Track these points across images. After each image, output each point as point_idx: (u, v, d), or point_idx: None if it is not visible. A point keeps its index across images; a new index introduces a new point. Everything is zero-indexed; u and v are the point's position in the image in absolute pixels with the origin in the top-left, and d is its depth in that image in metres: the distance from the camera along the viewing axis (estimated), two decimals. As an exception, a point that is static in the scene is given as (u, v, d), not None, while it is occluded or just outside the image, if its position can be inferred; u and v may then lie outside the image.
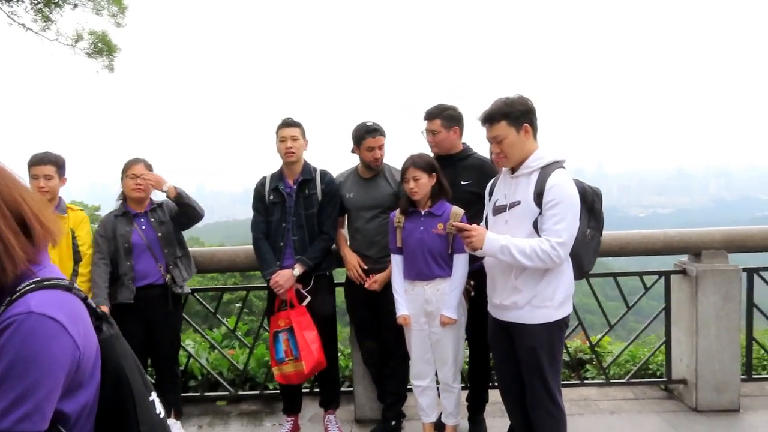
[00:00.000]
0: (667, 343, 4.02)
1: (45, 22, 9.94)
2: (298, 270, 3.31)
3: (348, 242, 3.55)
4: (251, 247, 3.55)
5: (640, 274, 4.02)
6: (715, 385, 3.74)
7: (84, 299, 1.10)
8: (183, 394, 3.84)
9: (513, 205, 2.57)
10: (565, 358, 4.15)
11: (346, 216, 3.56)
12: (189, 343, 4.43)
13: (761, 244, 3.90)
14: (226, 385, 4.12)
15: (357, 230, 3.44)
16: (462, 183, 3.23)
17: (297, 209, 3.38)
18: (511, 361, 2.69)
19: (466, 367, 3.67)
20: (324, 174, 3.45)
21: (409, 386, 3.49)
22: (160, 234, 3.35)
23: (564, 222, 2.43)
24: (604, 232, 2.80)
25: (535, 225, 2.49)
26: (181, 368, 3.86)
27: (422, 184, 3.01)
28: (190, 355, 4.19)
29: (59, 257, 3.12)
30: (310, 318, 3.33)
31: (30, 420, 0.94)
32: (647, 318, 4.35)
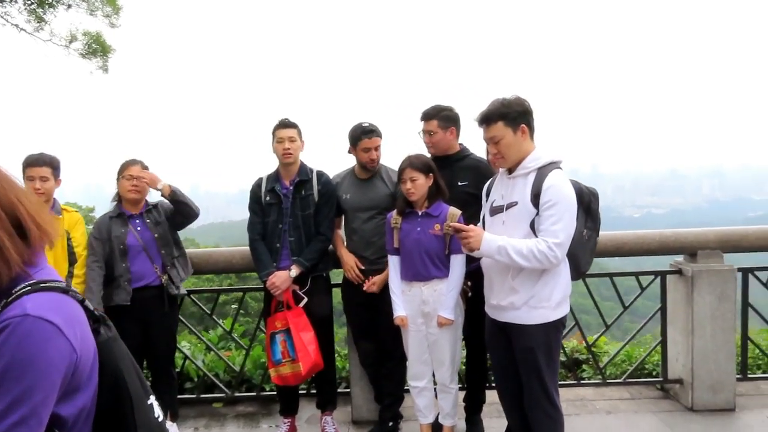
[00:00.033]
0: (663, 343, 4.03)
1: (38, 22, 9.90)
2: (294, 271, 3.30)
3: (345, 243, 3.54)
4: (247, 248, 3.54)
5: (637, 274, 4.03)
6: (710, 384, 3.75)
7: (81, 301, 1.09)
8: (179, 396, 3.82)
9: (510, 205, 2.57)
10: (562, 358, 4.15)
11: (343, 217, 3.55)
12: (185, 344, 4.41)
13: (756, 244, 3.92)
14: (223, 387, 4.11)
15: (354, 231, 3.44)
16: (459, 184, 3.23)
17: (293, 210, 3.37)
18: (509, 361, 2.69)
19: (463, 367, 3.67)
20: (320, 175, 3.44)
21: (406, 387, 3.48)
22: (156, 235, 3.33)
23: (561, 223, 2.43)
24: (600, 233, 2.80)
25: (532, 226, 2.49)
26: (177, 370, 3.84)
27: (419, 185, 3.01)
28: (186, 357, 4.17)
29: (54, 259, 3.10)
30: (307, 319, 3.33)
31: (26, 424, 0.92)
32: (641, 318, 4.36)
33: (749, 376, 4.11)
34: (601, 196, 2.81)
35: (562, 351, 4.14)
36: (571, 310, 2.79)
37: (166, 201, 3.39)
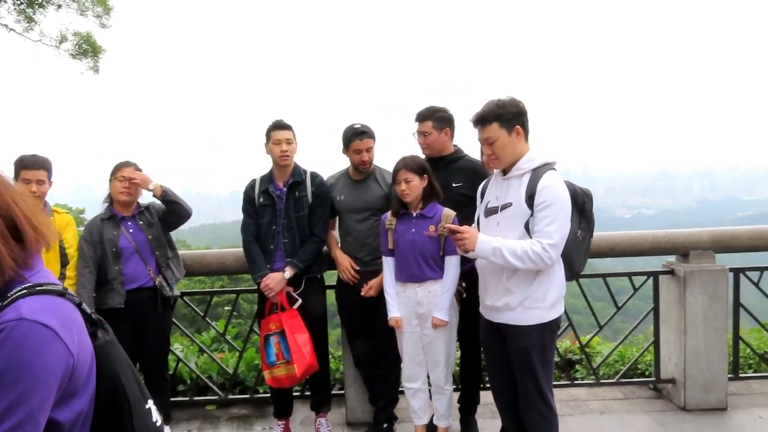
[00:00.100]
0: (656, 343, 4.05)
1: (28, 22, 9.82)
2: (288, 273, 3.29)
3: (339, 244, 3.54)
4: (240, 249, 3.53)
5: (630, 275, 4.05)
6: (703, 384, 3.78)
7: (78, 305, 1.07)
8: (171, 399, 3.80)
9: (504, 206, 2.57)
10: (555, 358, 4.17)
11: (337, 218, 3.55)
12: (177, 347, 4.38)
13: (747, 245, 3.95)
14: (216, 389, 4.08)
15: (348, 232, 3.43)
16: (453, 185, 3.24)
17: (287, 212, 3.36)
18: (503, 362, 2.70)
19: (458, 369, 3.68)
20: (314, 176, 3.43)
21: (400, 389, 3.48)
22: (150, 236, 3.31)
23: (555, 224, 2.44)
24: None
25: (526, 227, 2.49)
26: (170, 372, 3.81)
27: (414, 186, 3.01)
28: (178, 359, 4.14)
29: (46, 261, 3.06)
30: (302, 321, 3.31)
31: (22, 429, 0.91)
32: (633, 318, 4.38)
33: (741, 375, 4.14)
34: (593, 196, 2.82)
35: (555, 351, 4.16)
36: (564, 310, 2.80)
37: (158, 202, 3.37)
